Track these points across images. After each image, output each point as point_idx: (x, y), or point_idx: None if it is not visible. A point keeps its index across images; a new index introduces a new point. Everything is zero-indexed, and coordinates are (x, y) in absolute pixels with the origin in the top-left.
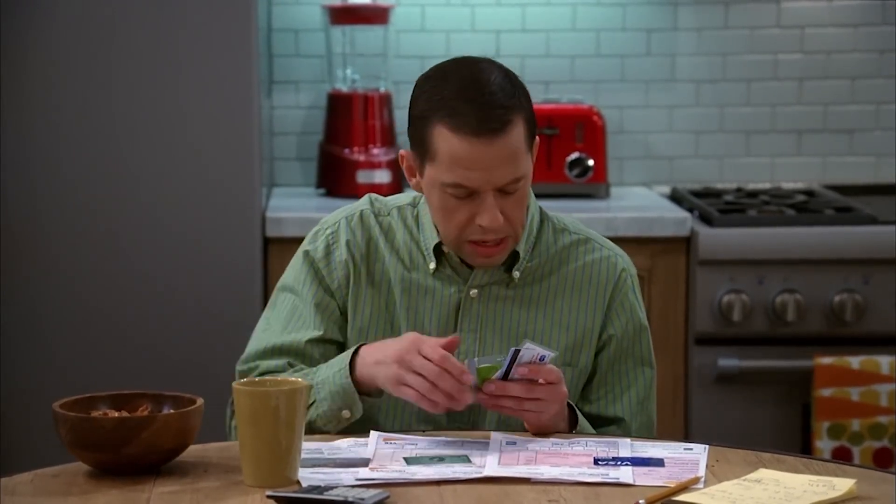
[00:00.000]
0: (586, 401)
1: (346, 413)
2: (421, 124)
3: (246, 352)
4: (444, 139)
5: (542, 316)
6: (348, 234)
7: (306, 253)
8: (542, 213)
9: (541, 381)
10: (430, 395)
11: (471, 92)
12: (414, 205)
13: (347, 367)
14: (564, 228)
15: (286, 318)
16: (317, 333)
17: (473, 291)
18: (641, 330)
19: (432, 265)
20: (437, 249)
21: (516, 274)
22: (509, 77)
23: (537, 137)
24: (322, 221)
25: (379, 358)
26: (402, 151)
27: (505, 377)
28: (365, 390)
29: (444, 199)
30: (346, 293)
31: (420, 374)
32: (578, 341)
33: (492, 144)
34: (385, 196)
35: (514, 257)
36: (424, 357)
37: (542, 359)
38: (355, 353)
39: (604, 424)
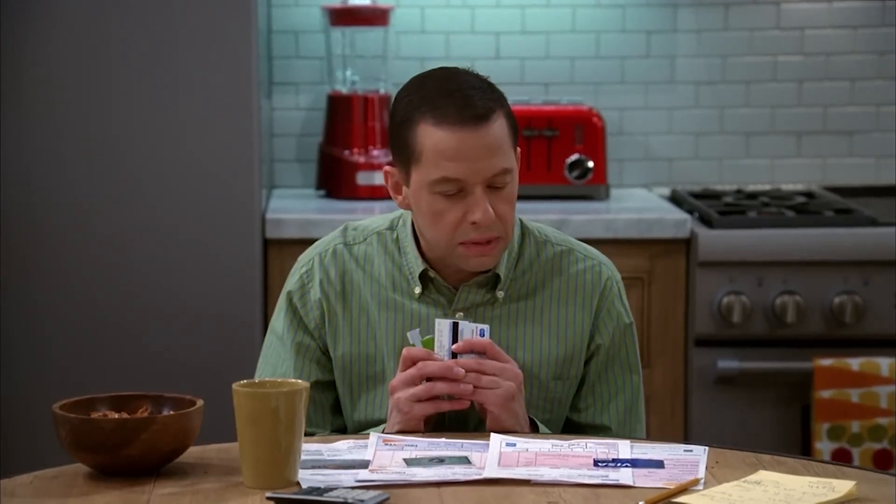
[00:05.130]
0: (575, 409)
1: None
2: (403, 128)
3: None
4: (428, 135)
5: (531, 331)
6: (321, 273)
7: (287, 294)
8: (522, 226)
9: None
10: (431, 391)
11: (451, 88)
12: (392, 228)
13: None
14: (546, 240)
15: (272, 369)
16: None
17: (459, 314)
18: (626, 331)
19: (417, 290)
20: (423, 274)
21: (500, 294)
22: (486, 81)
23: (519, 149)
24: (300, 257)
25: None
26: (385, 168)
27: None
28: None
29: (433, 202)
30: (323, 332)
31: (409, 385)
32: (569, 354)
33: (475, 133)
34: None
35: (495, 278)
36: (402, 371)
37: (482, 333)
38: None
39: (592, 434)
